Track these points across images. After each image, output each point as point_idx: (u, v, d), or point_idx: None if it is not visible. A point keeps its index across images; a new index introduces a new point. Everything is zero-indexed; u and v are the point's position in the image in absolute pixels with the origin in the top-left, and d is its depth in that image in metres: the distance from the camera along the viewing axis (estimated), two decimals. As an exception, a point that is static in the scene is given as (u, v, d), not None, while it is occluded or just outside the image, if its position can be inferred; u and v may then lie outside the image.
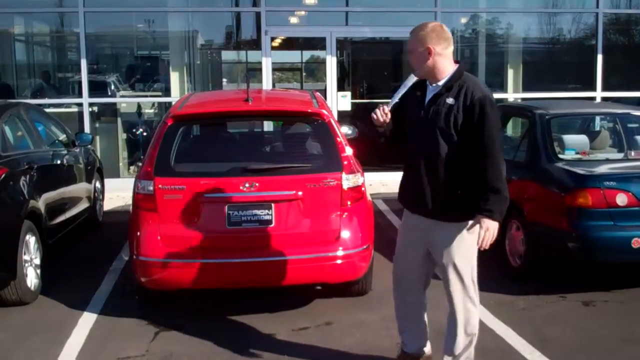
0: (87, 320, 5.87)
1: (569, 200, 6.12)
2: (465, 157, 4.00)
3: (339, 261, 5.59)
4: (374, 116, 4.17)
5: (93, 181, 8.84)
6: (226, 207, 5.53)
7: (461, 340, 4.33)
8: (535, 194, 6.63)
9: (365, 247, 5.72)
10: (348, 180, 5.67)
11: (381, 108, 4.16)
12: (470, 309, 4.31)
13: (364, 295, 6.23)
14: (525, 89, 13.26)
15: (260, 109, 6.14)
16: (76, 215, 7.95)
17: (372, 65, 15.78)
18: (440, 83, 4.09)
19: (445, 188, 4.06)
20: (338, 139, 5.82)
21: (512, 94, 13.02)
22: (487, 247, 3.97)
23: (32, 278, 6.31)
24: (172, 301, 6.13)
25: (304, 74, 26.08)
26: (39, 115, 8.09)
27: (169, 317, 5.87)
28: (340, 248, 5.59)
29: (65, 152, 7.94)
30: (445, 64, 4.06)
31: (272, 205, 5.56)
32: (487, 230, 3.91)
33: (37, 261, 6.47)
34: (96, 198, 8.98)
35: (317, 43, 16.79)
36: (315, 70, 28.36)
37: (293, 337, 5.45)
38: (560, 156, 6.74)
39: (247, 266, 5.51)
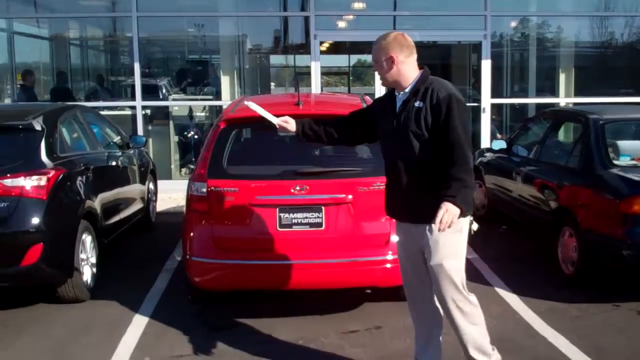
0: (141, 318, 5.99)
1: (623, 207, 6.03)
2: (439, 156, 4.04)
3: (388, 265, 5.60)
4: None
5: (146, 182, 8.99)
6: (277, 209, 5.59)
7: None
8: (589, 200, 6.54)
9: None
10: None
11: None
12: (467, 310, 4.27)
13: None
14: (577, 93, 13.09)
15: (310, 113, 6.16)
16: (130, 216, 8.11)
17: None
18: (407, 90, 4.17)
19: (426, 190, 4.08)
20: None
21: (563, 99, 12.87)
22: (443, 229, 3.92)
23: (88, 276, 6.47)
24: (224, 301, 6.22)
25: (351, 78, 26.13)
26: (94, 117, 8.28)
27: (222, 316, 5.96)
28: (390, 252, 5.58)
29: (119, 153, 8.12)
30: (409, 71, 4.16)
31: (323, 208, 5.60)
32: (447, 211, 3.89)
33: (93, 260, 6.62)
34: (149, 199, 9.14)
35: (365, 47, 16.82)
36: (362, 74, 28.42)
37: (343, 339, 5.48)
38: (615, 162, 6.64)
39: (298, 268, 5.56)
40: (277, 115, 6.09)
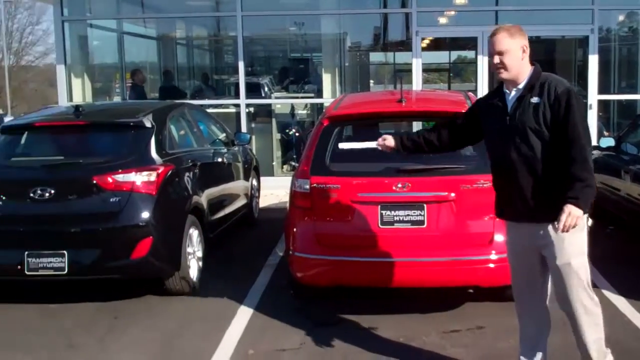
0: (245, 311, 6.12)
1: None
2: (558, 154, 3.94)
3: (492, 265, 5.54)
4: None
5: (250, 179, 9.18)
6: (379, 206, 5.60)
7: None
8: None
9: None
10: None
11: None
12: (592, 309, 4.16)
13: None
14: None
15: (414, 110, 6.18)
16: (234, 211, 8.30)
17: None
18: (521, 86, 4.07)
19: (547, 188, 3.99)
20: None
21: (676, 95, 12.33)
22: (566, 231, 3.83)
23: (194, 270, 6.66)
24: (326, 297, 6.27)
25: (450, 74, 25.82)
26: (201, 115, 8.52)
27: (323, 312, 6.02)
28: (494, 251, 5.53)
29: (225, 150, 8.32)
30: (526, 66, 4.07)
31: (425, 206, 5.58)
32: (569, 214, 3.80)
33: (199, 254, 6.81)
34: (252, 195, 9.32)
35: (466, 43, 16.61)
36: (462, 70, 27.99)
37: (444, 338, 5.44)
38: None
39: (399, 266, 5.56)
40: (381, 112, 6.16)
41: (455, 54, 24.99)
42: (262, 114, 12.97)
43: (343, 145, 4.94)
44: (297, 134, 13.19)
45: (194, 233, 6.70)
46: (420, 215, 5.58)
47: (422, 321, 5.78)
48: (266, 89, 14.60)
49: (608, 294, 6.36)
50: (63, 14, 12.35)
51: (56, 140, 6.75)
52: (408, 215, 5.59)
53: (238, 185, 8.56)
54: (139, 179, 6.11)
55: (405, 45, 14.77)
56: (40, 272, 6.03)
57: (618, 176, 8.11)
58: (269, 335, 5.60)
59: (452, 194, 5.57)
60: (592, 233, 8.35)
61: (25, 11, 69.62)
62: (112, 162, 6.21)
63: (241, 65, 11.94)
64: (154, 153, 6.40)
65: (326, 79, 12.30)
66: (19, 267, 6.02)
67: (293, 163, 12.81)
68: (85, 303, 6.43)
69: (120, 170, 6.09)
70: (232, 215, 8.20)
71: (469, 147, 5.85)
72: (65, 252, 5.99)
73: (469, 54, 24.11)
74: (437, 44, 16.97)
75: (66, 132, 6.72)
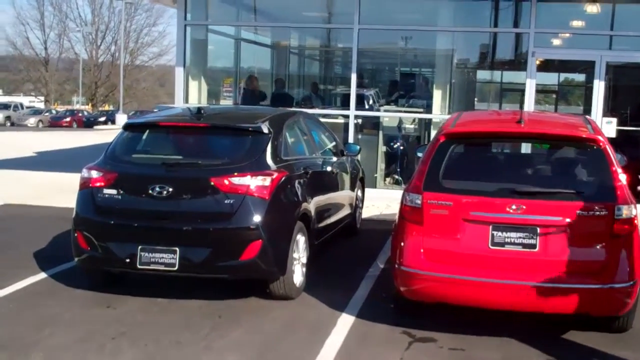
0: (344, 321, 6.17)
1: None
2: None
3: (605, 295, 5.42)
4: None
5: (355, 189, 9.25)
6: (490, 227, 5.57)
7: None
8: None
9: (632, 282, 5.49)
10: (620, 211, 5.48)
11: None
12: None
13: (622, 332, 5.95)
14: None
15: (534, 132, 6.10)
16: (339, 220, 8.39)
17: (635, 91, 14.94)
18: None
19: None
20: (613, 167, 5.64)
21: None
22: None
23: (298, 275, 6.77)
24: (426, 313, 6.25)
25: (557, 96, 25.30)
26: (315, 123, 8.66)
27: (423, 328, 6.00)
28: (606, 281, 5.40)
29: (334, 160, 8.42)
30: None
31: (538, 229, 5.51)
32: None
33: (304, 260, 6.91)
34: (357, 206, 9.39)
35: (576, 65, 16.17)
36: (568, 93, 27.34)
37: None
38: None
39: (508, 288, 5.51)
40: (499, 132, 6.12)
41: (563, 77, 24.51)
42: (369, 125, 13.05)
43: None
44: (401, 148, 13.20)
45: (301, 239, 6.81)
46: (532, 238, 5.51)
47: (526, 347, 5.67)
48: (371, 101, 14.69)
49: None
50: (186, 18, 12.78)
51: (176, 140, 7.00)
52: (520, 237, 5.53)
53: (344, 195, 8.65)
54: (253, 182, 6.26)
55: (513, 64, 14.60)
56: (152, 267, 6.27)
57: None
58: (368, 348, 5.64)
59: (567, 220, 5.48)
60: None
61: (144, 13, 72.73)
62: (229, 164, 6.39)
63: (354, 77, 12.08)
64: (269, 159, 6.55)
65: (436, 94, 12.28)
66: (131, 260, 6.27)
67: (396, 176, 12.83)
68: (191, 300, 6.62)
69: (236, 173, 6.26)
70: (336, 224, 8.30)
71: (588, 173, 5.79)
72: (177, 248, 6.20)
73: (577, 76, 23.64)
74: (545, 66, 16.62)
75: (187, 132, 6.96)
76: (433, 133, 12.23)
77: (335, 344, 5.67)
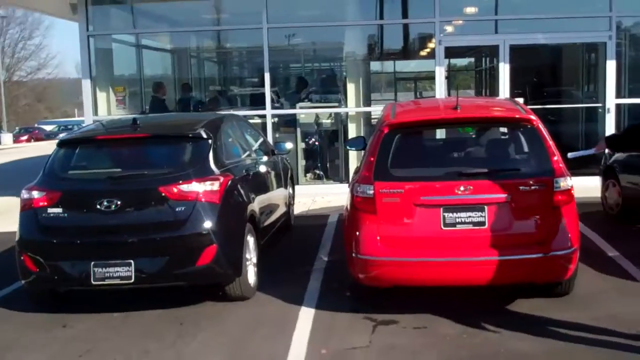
0: (306, 315, 6.31)
1: None
2: None
3: (550, 263, 5.79)
4: None
5: (288, 187, 9.38)
6: (441, 209, 5.84)
7: None
8: None
9: (574, 248, 5.89)
10: (558, 184, 5.86)
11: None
12: None
13: (564, 296, 6.35)
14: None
15: (472, 116, 6.42)
16: (278, 219, 8.52)
17: (532, 71, 15.68)
18: None
19: None
20: (548, 143, 6.02)
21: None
22: None
23: (251, 275, 6.85)
24: (382, 298, 6.47)
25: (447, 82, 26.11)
26: (245, 125, 8.73)
27: (382, 312, 6.21)
28: (552, 250, 5.77)
29: (268, 160, 8.52)
30: None
31: (485, 207, 5.82)
32: None
33: (255, 260, 6.99)
34: (290, 203, 9.53)
35: (465, 51, 16.66)
36: (454, 78, 28.24)
37: (503, 334, 5.64)
38: None
39: (461, 265, 5.81)
40: (439, 119, 6.42)
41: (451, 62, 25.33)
42: (286, 123, 13.18)
43: (570, 155, 5.58)
44: (316, 144, 13.38)
45: (251, 240, 6.90)
46: (481, 216, 5.81)
47: (482, 317, 5.96)
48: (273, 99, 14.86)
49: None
50: (88, 29, 12.55)
51: (117, 152, 6.92)
52: (470, 216, 5.82)
53: (280, 194, 8.78)
54: (202, 188, 6.30)
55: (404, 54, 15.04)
56: (107, 282, 6.21)
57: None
58: (335, 336, 5.79)
59: (512, 196, 5.81)
60: (622, 231, 8.72)
61: (17, 26, 69.87)
62: (175, 172, 6.39)
63: (267, 77, 12.20)
64: (213, 164, 6.60)
65: (350, 88, 12.52)
66: (84, 277, 6.20)
67: (317, 171, 13.03)
68: (147, 311, 6.60)
69: (184, 181, 6.28)
70: (276, 222, 8.42)
71: (525, 151, 6.15)
72: (131, 261, 6.17)
73: (462, 61, 24.58)
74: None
75: (127, 144, 6.90)
76: (350, 126, 12.54)
77: (303, 337, 5.81)
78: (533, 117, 6.19)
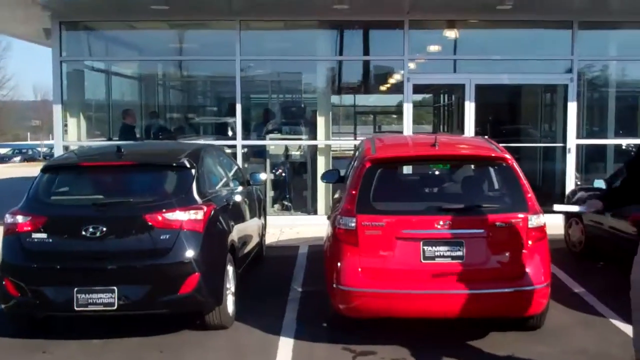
0: (285, 344, 6.42)
1: None
2: None
3: (524, 297, 6.03)
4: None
5: (261, 218, 9.51)
6: (421, 242, 6.05)
7: None
8: None
9: (547, 283, 6.15)
10: (532, 221, 6.12)
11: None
12: None
13: (536, 329, 6.58)
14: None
15: (450, 154, 6.68)
16: (252, 249, 8.63)
17: (491, 109, 16.12)
18: None
19: None
20: (522, 181, 6.29)
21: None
22: None
23: (230, 304, 6.94)
24: (360, 329, 6.59)
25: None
26: (222, 155, 8.85)
27: (360, 343, 6.34)
28: (526, 284, 6.01)
29: (244, 190, 8.66)
30: None
31: (464, 242, 6.04)
32: None
33: (233, 289, 7.09)
34: (263, 234, 9.65)
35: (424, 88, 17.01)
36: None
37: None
38: None
39: (440, 298, 6.01)
40: (419, 156, 6.66)
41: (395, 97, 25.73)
42: (255, 154, 13.33)
43: (557, 208, 5.84)
44: (283, 174, 13.54)
45: (230, 269, 7.00)
46: (459, 250, 6.04)
47: (458, 350, 6.17)
48: (231, 129, 15.05)
49: (616, 322, 6.88)
50: (61, 54, 12.58)
51: (102, 179, 6.99)
52: (448, 250, 6.05)
53: (254, 224, 8.90)
54: (187, 217, 6.40)
55: (369, 89, 15.35)
56: (90, 308, 6.25)
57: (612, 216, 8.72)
58: (317, 365, 5.94)
59: (489, 231, 6.05)
60: (586, 268, 8.99)
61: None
62: (159, 201, 6.49)
63: (238, 107, 12.35)
64: (196, 193, 6.70)
65: (320, 121, 12.73)
66: (67, 302, 6.23)
67: (285, 202, 13.18)
68: (126, 338, 6.62)
69: (169, 209, 6.37)
70: (251, 252, 8.54)
71: (501, 188, 6.42)
72: (115, 287, 6.22)
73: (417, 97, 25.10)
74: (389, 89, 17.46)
75: (112, 172, 6.98)
76: (319, 159, 12.73)
77: (286, 365, 5.93)
78: (508, 155, 6.47)
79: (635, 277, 5.17)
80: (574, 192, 10.42)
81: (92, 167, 7.07)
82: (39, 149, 49.73)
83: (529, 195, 6.23)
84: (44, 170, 7.00)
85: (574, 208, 5.10)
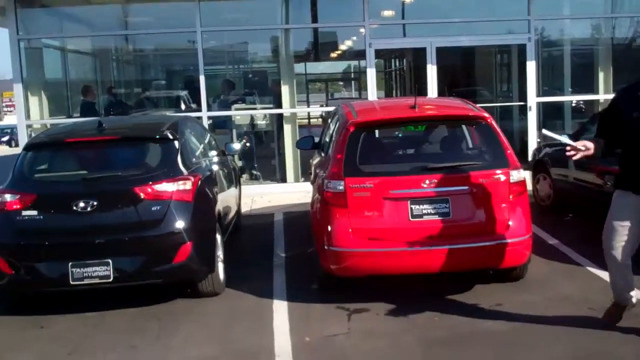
0: (280, 307, 6.59)
1: None
2: None
3: (509, 249, 6.28)
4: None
5: (238, 187, 9.62)
6: (409, 201, 6.25)
7: None
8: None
9: (529, 235, 6.42)
10: (514, 176, 6.37)
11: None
12: None
13: (519, 280, 6.88)
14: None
15: (430, 115, 6.89)
16: (233, 217, 8.75)
17: (450, 70, 16.38)
18: None
19: None
20: (502, 138, 6.53)
21: (602, 95, 13.51)
22: None
23: (221, 272, 7.07)
24: (349, 289, 6.81)
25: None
26: (200, 127, 8.91)
27: (353, 301, 6.55)
28: (510, 237, 6.28)
29: (222, 160, 8.75)
30: None
31: (449, 199, 6.27)
32: None
33: (222, 256, 7.21)
34: (239, 203, 9.76)
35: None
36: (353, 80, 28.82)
37: (474, 316, 6.10)
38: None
39: (428, 254, 6.23)
40: (400, 118, 6.83)
41: (346, 64, 25.87)
42: (219, 125, 13.36)
43: (546, 132, 5.68)
44: (247, 144, 13.61)
45: (218, 237, 7.13)
46: (445, 207, 6.26)
47: (448, 302, 6.43)
48: (184, 101, 15.08)
49: (593, 270, 7.19)
50: (18, 33, 12.38)
51: (88, 154, 7.02)
52: (435, 208, 6.26)
53: (234, 193, 9.01)
54: (176, 187, 6.50)
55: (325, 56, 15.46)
56: (86, 282, 6.32)
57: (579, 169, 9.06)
58: (314, 325, 6.11)
59: (473, 188, 6.28)
60: (556, 221, 9.34)
61: None
62: (148, 173, 6.58)
63: (202, 79, 12.33)
64: (182, 164, 6.79)
65: (284, 90, 12.79)
66: (62, 277, 6.30)
67: (254, 172, 13.27)
68: (121, 309, 6.71)
69: (158, 181, 6.47)
70: (232, 220, 8.65)
71: (482, 146, 6.64)
72: (110, 260, 6.31)
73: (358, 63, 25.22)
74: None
75: (97, 146, 7.00)
76: (286, 127, 12.84)
77: (283, 326, 6.10)
78: (486, 114, 6.70)
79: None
80: (539, 149, 10.73)
81: (77, 142, 7.08)
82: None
83: (509, 151, 6.47)
84: (27, 149, 6.99)
85: (564, 138, 5.28)
